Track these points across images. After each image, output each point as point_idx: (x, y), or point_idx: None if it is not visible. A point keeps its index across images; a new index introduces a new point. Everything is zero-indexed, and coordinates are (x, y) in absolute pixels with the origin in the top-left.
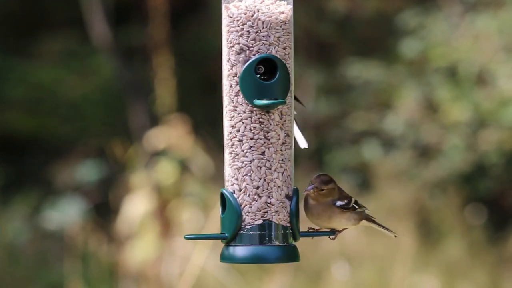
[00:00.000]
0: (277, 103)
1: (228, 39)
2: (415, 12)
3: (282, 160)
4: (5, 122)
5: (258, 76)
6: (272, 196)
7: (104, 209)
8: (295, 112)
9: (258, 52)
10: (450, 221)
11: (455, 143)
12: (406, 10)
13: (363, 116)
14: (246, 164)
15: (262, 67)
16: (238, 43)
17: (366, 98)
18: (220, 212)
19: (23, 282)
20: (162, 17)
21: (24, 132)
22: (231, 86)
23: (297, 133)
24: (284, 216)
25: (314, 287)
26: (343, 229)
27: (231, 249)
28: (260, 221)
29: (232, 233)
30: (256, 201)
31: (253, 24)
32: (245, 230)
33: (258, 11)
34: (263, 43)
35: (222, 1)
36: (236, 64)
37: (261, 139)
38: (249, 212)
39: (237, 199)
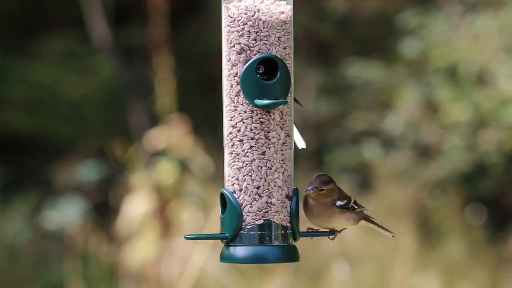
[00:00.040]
0: (278, 103)
1: (228, 39)
2: (415, 12)
3: (283, 160)
4: (5, 122)
5: (258, 76)
6: (272, 196)
7: (104, 209)
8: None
9: (259, 52)
10: (450, 221)
11: (455, 143)
12: (406, 10)
13: (363, 116)
14: (246, 164)
15: (262, 67)
16: (239, 43)
17: (366, 98)
18: (220, 212)
19: (23, 282)
20: (162, 17)
21: (24, 132)
22: (231, 86)
23: (295, 133)
24: (285, 216)
25: (314, 287)
26: (343, 229)
27: (231, 249)
28: (261, 221)
29: (232, 233)
30: (257, 201)
31: (254, 24)
32: (246, 230)
33: (258, 11)
34: (264, 43)
35: (222, 1)
36: (237, 64)
37: (261, 139)
38: (249, 212)
39: (238, 199)
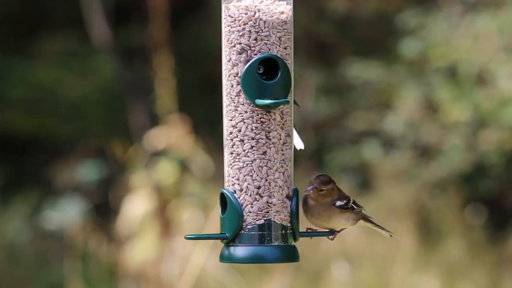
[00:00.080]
0: (279, 103)
1: (229, 39)
2: (415, 12)
3: (283, 160)
4: (5, 122)
5: (259, 76)
6: (273, 196)
7: (104, 209)
8: None
9: (260, 52)
10: (450, 221)
11: (455, 143)
12: (406, 10)
13: (363, 116)
14: (247, 164)
15: (262, 67)
16: (240, 43)
17: (366, 98)
18: (220, 212)
19: (23, 282)
20: (162, 17)
21: (24, 132)
22: (232, 86)
23: (294, 134)
24: (285, 216)
25: (314, 287)
26: (342, 229)
27: (231, 249)
28: (262, 221)
29: (233, 233)
30: (258, 201)
31: (254, 24)
32: (246, 230)
33: (259, 11)
34: (265, 43)
35: (222, 1)
36: (238, 64)
37: (262, 139)
38: (250, 212)
39: (238, 199)
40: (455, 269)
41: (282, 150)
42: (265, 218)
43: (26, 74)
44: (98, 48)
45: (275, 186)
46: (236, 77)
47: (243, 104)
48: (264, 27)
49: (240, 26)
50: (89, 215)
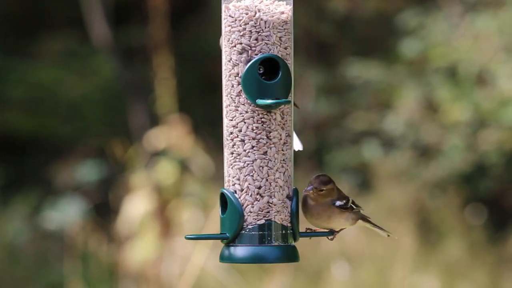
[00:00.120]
0: (281, 103)
1: (229, 39)
2: (415, 12)
3: (284, 160)
4: (5, 122)
5: (259, 76)
6: (274, 196)
7: (104, 209)
8: None
9: (260, 52)
10: (450, 221)
11: (455, 143)
12: (406, 10)
13: (363, 116)
14: (248, 164)
15: (261, 67)
16: (240, 43)
17: (366, 98)
18: (220, 212)
19: (23, 282)
20: (162, 17)
21: (24, 132)
22: (232, 86)
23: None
24: (286, 216)
25: (314, 287)
26: (341, 229)
27: (231, 249)
28: (262, 221)
29: (233, 233)
30: (258, 201)
31: (255, 24)
32: (247, 230)
33: (259, 11)
34: (265, 43)
35: (222, 1)
36: (238, 64)
37: (263, 139)
38: (251, 212)
39: (239, 199)
40: (455, 269)
41: (282, 150)
42: (266, 218)
43: (26, 74)
44: (98, 48)
45: (276, 186)
46: (237, 77)
47: (243, 104)
48: (265, 27)
49: (240, 26)
50: (89, 215)
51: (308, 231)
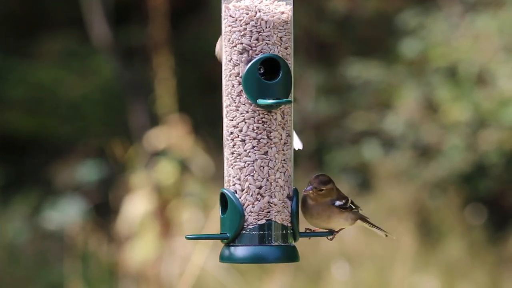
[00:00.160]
0: (282, 103)
1: (230, 39)
2: (415, 12)
3: (284, 160)
4: (5, 122)
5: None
6: (274, 196)
7: (104, 209)
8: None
9: (261, 52)
10: (450, 221)
11: (455, 143)
12: (406, 10)
13: (363, 116)
14: (248, 164)
15: (261, 67)
16: (241, 43)
17: (366, 98)
18: (220, 212)
19: (23, 282)
20: (162, 17)
21: (24, 132)
22: (233, 86)
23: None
24: (286, 216)
25: (314, 287)
26: (340, 229)
27: (231, 249)
28: (263, 221)
29: (234, 233)
30: (259, 201)
31: (256, 24)
32: (248, 230)
33: (259, 11)
34: (266, 43)
35: (222, 1)
36: (239, 64)
37: (264, 139)
38: (251, 212)
39: (240, 199)
40: (455, 269)
41: (283, 150)
42: (267, 218)
43: (26, 74)
44: (98, 48)
45: (276, 186)
46: (237, 77)
47: (244, 104)
48: (266, 27)
49: (241, 26)
50: (89, 215)
51: (307, 231)
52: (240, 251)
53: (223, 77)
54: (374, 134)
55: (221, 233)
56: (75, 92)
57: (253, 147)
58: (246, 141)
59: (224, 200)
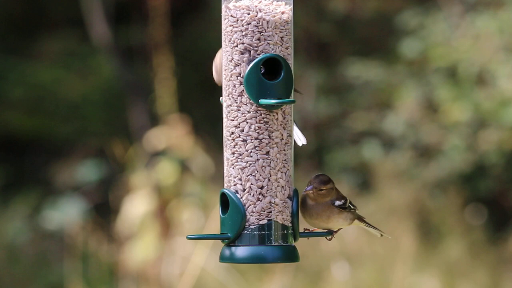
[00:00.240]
0: (284, 102)
1: (231, 39)
2: (415, 12)
3: (285, 160)
4: (5, 122)
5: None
6: (276, 196)
7: (104, 209)
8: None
9: (263, 52)
10: (450, 221)
11: (455, 143)
12: (406, 10)
13: (363, 116)
14: (250, 164)
15: (263, 67)
16: (242, 43)
17: (366, 98)
18: (221, 213)
19: (23, 282)
20: (162, 17)
21: (24, 132)
22: (234, 86)
23: (295, 130)
24: (287, 216)
25: (314, 287)
26: (339, 229)
27: (231, 249)
28: (264, 221)
29: (235, 233)
30: (261, 201)
31: (258, 24)
32: (249, 230)
33: (260, 11)
34: (268, 43)
35: (223, 1)
36: (240, 64)
37: (265, 139)
38: (253, 212)
39: (241, 199)
40: (455, 269)
41: (284, 150)
42: (268, 218)
43: (26, 74)
44: (98, 48)
45: (278, 186)
46: (239, 77)
47: (246, 104)
48: (267, 27)
49: (243, 26)
50: (89, 215)
51: (306, 231)
52: (240, 251)
53: (223, 77)
54: (374, 134)
55: (222, 233)
56: (75, 92)
57: (255, 147)
58: (247, 141)
59: (225, 200)
